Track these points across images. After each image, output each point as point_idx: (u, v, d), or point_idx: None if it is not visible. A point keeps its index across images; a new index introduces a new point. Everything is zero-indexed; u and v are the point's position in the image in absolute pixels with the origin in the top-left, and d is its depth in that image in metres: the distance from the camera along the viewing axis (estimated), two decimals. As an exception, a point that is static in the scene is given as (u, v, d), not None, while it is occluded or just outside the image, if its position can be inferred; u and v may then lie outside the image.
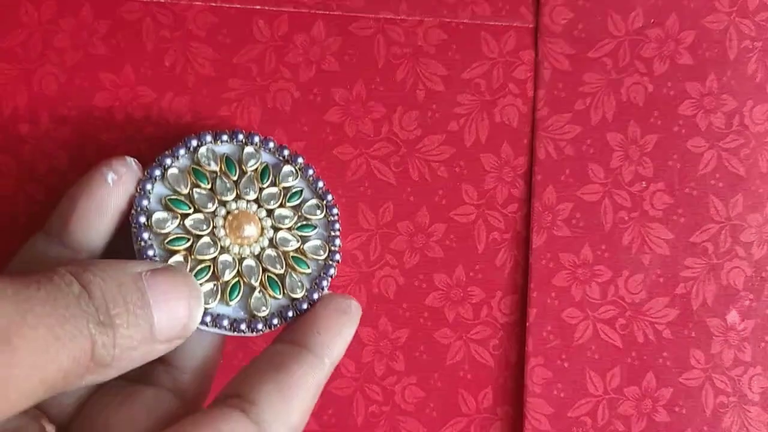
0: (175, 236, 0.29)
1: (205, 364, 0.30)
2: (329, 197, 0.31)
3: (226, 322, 0.30)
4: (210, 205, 0.30)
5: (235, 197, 0.30)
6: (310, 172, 0.31)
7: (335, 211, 0.31)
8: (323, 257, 0.31)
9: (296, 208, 0.31)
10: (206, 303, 0.29)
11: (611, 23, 0.34)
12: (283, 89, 0.34)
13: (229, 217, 0.30)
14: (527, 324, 0.33)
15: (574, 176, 0.33)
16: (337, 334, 0.29)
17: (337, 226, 0.31)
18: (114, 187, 0.28)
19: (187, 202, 0.30)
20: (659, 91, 0.33)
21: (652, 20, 0.34)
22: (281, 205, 0.31)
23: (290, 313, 0.30)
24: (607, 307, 0.33)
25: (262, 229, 0.30)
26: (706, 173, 0.33)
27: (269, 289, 0.30)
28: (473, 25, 0.34)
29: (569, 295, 0.33)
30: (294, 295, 0.30)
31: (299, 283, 0.30)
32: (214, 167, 0.30)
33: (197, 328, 0.28)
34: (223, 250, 0.30)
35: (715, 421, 0.33)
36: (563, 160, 0.34)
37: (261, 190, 0.31)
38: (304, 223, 0.31)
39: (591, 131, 0.34)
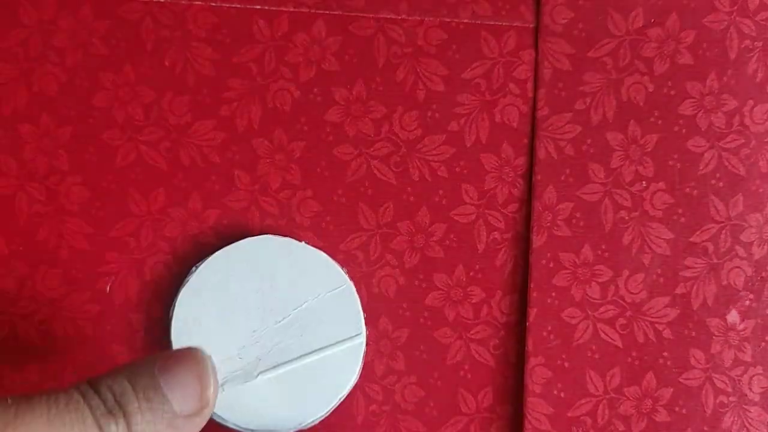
0: None
1: None
2: None
3: None
4: None
5: None
6: None
7: None
8: None
9: None
10: None
11: (611, 23, 0.34)
12: (283, 89, 0.33)
13: None
14: (527, 324, 0.33)
15: (574, 176, 0.33)
16: None
17: None
18: None
19: None
20: (659, 90, 0.33)
21: (653, 20, 0.34)
22: None
23: None
24: (607, 307, 0.33)
25: None
26: (706, 173, 0.33)
27: None
28: (473, 24, 0.34)
29: (569, 294, 0.33)
30: None
31: None
32: None
33: None
34: None
35: (715, 421, 0.33)
36: (563, 159, 0.34)
37: None
38: None
39: (591, 131, 0.34)
